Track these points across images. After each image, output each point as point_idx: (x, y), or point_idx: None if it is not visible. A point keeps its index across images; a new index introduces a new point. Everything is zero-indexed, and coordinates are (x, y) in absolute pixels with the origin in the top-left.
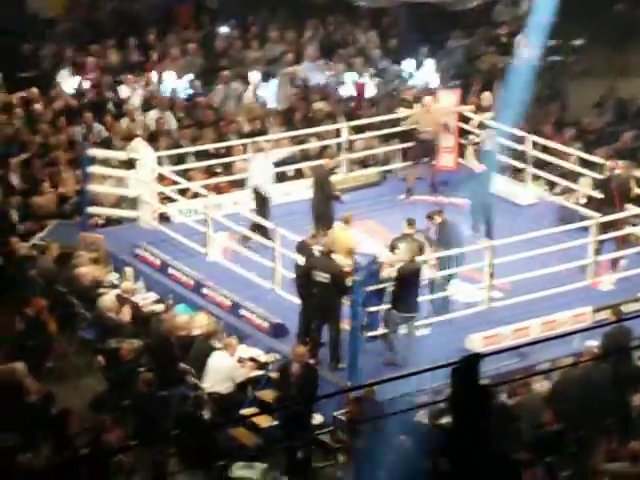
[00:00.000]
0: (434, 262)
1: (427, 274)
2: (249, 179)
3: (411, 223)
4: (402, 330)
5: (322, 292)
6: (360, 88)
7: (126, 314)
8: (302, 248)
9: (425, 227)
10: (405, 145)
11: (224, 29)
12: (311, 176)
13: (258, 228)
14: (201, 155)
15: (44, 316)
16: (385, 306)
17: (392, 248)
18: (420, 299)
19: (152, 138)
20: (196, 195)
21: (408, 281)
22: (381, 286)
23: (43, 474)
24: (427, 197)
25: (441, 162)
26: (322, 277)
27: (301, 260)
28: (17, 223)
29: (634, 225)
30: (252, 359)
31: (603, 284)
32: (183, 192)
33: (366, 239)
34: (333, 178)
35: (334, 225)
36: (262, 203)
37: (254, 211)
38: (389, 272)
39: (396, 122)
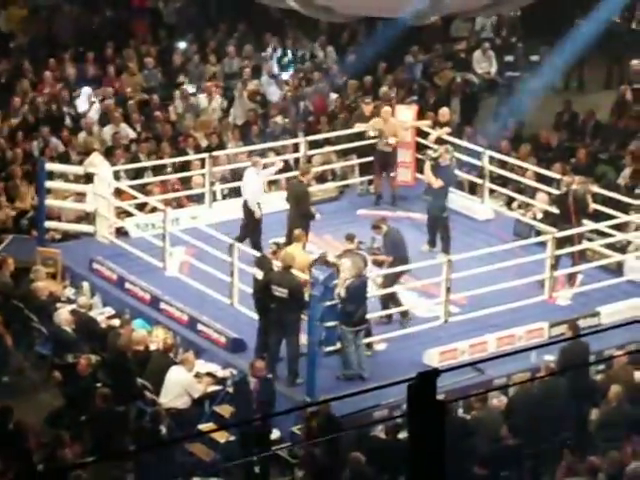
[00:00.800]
0: (379, 277)
1: (373, 289)
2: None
3: (350, 238)
4: (354, 344)
5: (281, 307)
6: (319, 103)
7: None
8: (261, 263)
9: (370, 238)
10: (362, 160)
11: (182, 44)
12: (286, 191)
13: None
14: (159, 170)
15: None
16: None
17: (334, 265)
18: (368, 312)
19: (109, 152)
20: (154, 210)
21: (355, 295)
22: (335, 302)
23: None
24: (379, 212)
25: (399, 177)
26: (280, 292)
27: (259, 274)
28: None
29: (590, 240)
30: (209, 374)
31: (560, 299)
32: (141, 207)
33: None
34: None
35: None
36: (249, 217)
37: (242, 224)
38: (339, 290)
39: (354, 137)
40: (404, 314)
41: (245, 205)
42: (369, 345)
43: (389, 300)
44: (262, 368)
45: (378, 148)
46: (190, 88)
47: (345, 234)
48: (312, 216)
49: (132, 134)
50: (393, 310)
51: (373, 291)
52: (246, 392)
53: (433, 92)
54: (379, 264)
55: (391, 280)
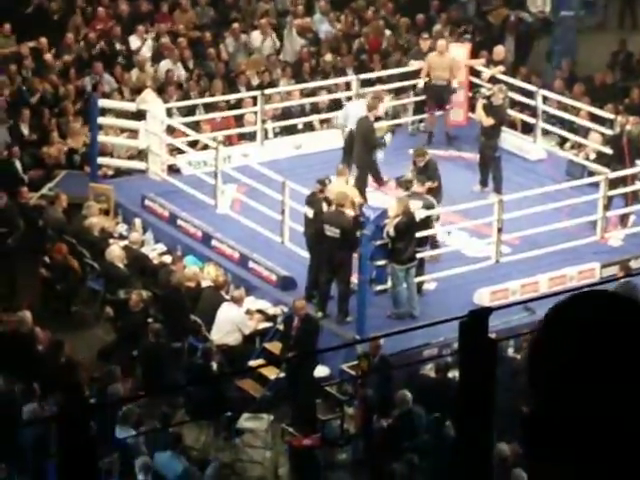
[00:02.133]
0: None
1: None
2: (341, 119)
3: (403, 185)
4: (405, 283)
5: (332, 246)
6: (373, 41)
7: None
8: (312, 201)
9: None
10: (415, 98)
11: None
12: (356, 130)
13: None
14: (211, 107)
15: (68, 261)
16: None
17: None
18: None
19: (161, 90)
20: (206, 147)
21: (404, 233)
22: (387, 240)
23: (52, 421)
24: (438, 151)
25: (451, 116)
26: (332, 232)
27: (311, 213)
28: (22, 174)
29: None
30: (260, 311)
31: (612, 240)
32: (193, 144)
33: (376, 193)
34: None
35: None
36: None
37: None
38: (388, 228)
39: (407, 75)
40: (435, 257)
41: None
42: (419, 284)
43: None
44: (303, 306)
45: (432, 83)
46: (242, 25)
47: (397, 179)
48: (382, 144)
49: (184, 73)
50: (440, 250)
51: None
52: (291, 329)
53: (487, 30)
54: (427, 191)
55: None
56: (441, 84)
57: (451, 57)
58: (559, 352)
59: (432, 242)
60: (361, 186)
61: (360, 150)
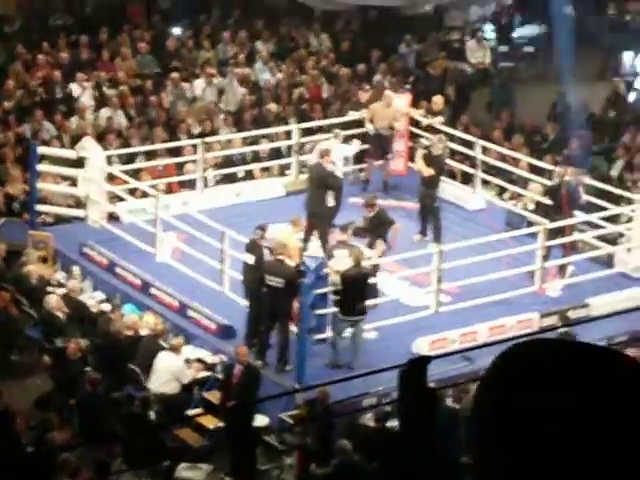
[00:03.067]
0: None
1: (376, 278)
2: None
3: (344, 229)
4: (347, 333)
5: (274, 296)
6: (313, 90)
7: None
8: (252, 248)
9: (362, 217)
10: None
11: (176, 29)
12: (307, 174)
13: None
14: (151, 155)
15: (9, 309)
16: (332, 309)
17: (329, 257)
18: (367, 302)
19: (102, 137)
20: (145, 195)
21: (352, 285)
22: (328, 289)
23: None
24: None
25: (391, 165)
26: (275, 281)
27: (251, 260)
28: None
29: (581, 232)
30: (199, 360)
31: (550, 290)
32: (133, 192)
33: (314, 242)
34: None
35: (284, 226)
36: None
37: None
38: (334, 278)
39: (347, 124)
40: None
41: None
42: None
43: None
44: (245, 354)
45: (376, 132)
46: (184, 74)
47: (339, 225)
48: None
49: (124, 120)
50: (379, 300)
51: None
52: (232, 378)
53: (426, 81)
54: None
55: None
56: (385, 134)
57: (395, 109)
58: (508, 402)
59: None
60: (323, 235)
61: (317, 196)
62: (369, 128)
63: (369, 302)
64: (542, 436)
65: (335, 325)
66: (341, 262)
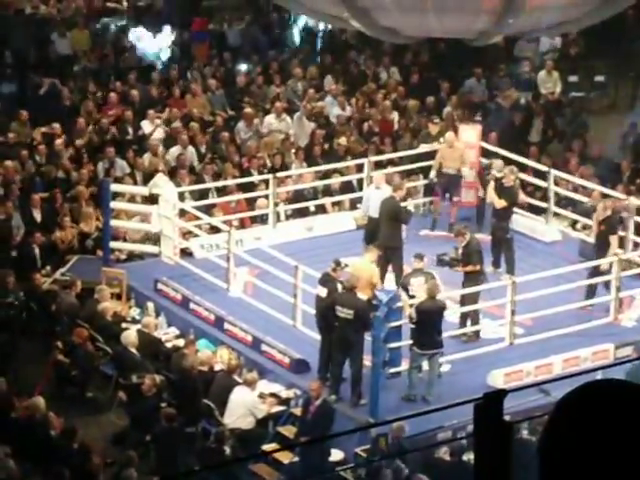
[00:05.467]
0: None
1: (452, 309)
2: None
3: (419, 257)
4: (424, 367)
5: (345, 328)
6: (385, 124)
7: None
8: (326, 281)
9: (453, 248)
10: (426, 181)
11: (244, 65)
12: (381, 210)
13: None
14: (223, 191)
15: (87, 346)
16: (406, 342)
17: (404, 286)
18: (443, 335)
19: (173, 173)
20: (218, 230)
21: (427, 318)
22: (401, 322)
23: None
24: (442, 232)
25: (463, 197)
26: (345, 313)
27: (323, 292)
28: (39, 259)
29: None
30: (273, 395)
31: (625, 320)
32: (206, 228)
33: (389, 274)
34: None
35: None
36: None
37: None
38: (410, 311)
39: (417, 157)
40: (477, 334)
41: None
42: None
43: (469, 317)
44: (318, 389)
45: (442, 171)
46: (254, 109)
47: (414, 254)
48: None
49: (195, 157)
50: (468, 329)
51: (452, 311)
52: (308, 413)
53: (497, 113)
54: (469, 273)
55: (474, 295)
56: (452, 173)
57: (462, 148)
58: (568, 443)
59: (473, 319)
60: (398, 268)
61: (390, 229)
62: (432, 174)
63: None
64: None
65: (411, 359)
66: (418, 289)
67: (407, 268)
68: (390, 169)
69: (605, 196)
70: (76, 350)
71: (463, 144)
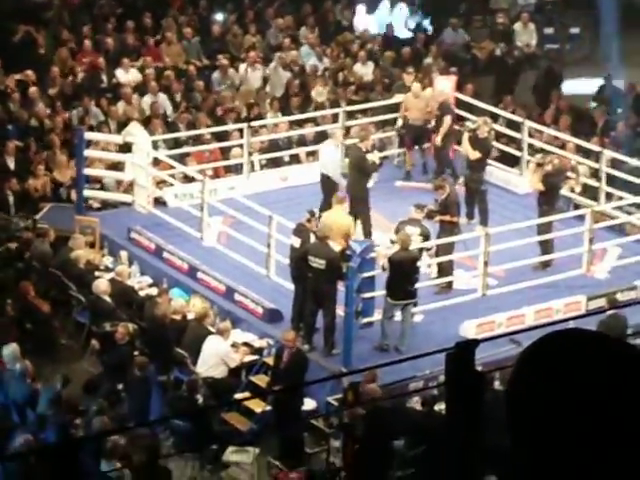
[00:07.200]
0: (432, 251)
1: (427, 261)
2: (320, 164)
3: (419, 207)
4: (397, 317)
5: (317, 278)
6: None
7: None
8: (299, 231)
9: (434, 200)
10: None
11: (219, 15)
12: (347, 158)
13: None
14: (197, 140)
15: (34, 300)
16: (379, 293)
17: (397, 231)
18: (417, 286)
19: (148, 122)
20: (192, 179)
21: (400, 268)
22: (375, 273)
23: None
24: (417, 183)
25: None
26: (317, 263)
27: (297, 243)
28: (12, 205)
29: (629, 214)
30: (246, 344)
31: (598, 272)
32: (179, 177)
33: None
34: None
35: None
36: (329, 192)
37: (324, 195)
38: (383, 261)
39: (392, 107)
40: (450, 284)
41: (326, 180)
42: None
43: (445, 269)
44: (293, 339)
45: (409, 123)
46: (229, 58)
47: (415, 204)
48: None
49: (169, 106)
50: (439, 280)
51: (426, 262)
52: (281, 362)
53: (473, 64)
54: (445, 224)
55: (449, 247)
56: (417, 125)
57: (427, 98)
58: (531, 392)
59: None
60: (365, 218)
61: (354, 179)
62: (400, 118)
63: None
64: (564, 426)
65: (384, 309)
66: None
67: (382, 219)
68: (363, 119)
69: (580, 149)
70: (25, 305)
71: (430, 94)
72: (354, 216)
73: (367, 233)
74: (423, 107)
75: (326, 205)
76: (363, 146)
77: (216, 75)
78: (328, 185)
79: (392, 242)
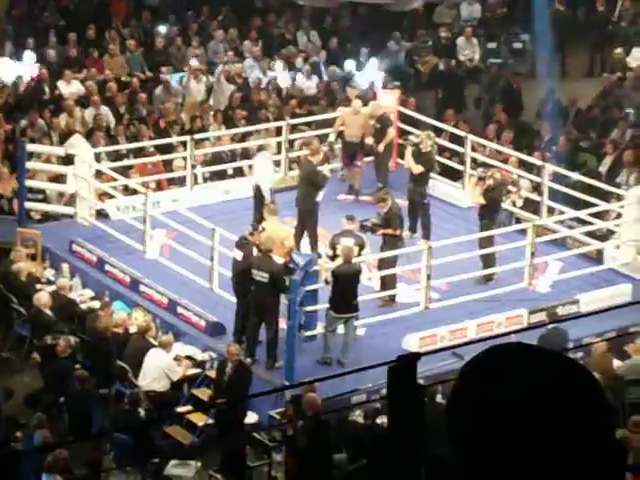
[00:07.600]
0: (373, 262)
1: (367, 274)
2: (253, 176)
3: (350, 219)
4: (340, 330)
5: (260, 291)
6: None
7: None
8: (242, 244)
9: (377, 214)
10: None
11: (163, 27)
12: (297, 171)
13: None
14: (140, 152)
15: None
16: (322, 306)
17: (332, 245)
18: (360, 299)
19: (90, 134)
20: (135, 192)
21: (343, 281)
22: (317, 286)
23: None
24: (365, 197)
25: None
26: (261, 276)
27: (240, 256)
28: None
29: (571, 228)
30: (189, 357)
31: (539, 286)
32: (122, 189)
33: (304, 239)
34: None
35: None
36: (260, 202)
37: (254, 208)
38: (326, 275)
39: (335, 121)
40: (393, 298)
41: (256, 189)
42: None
43: (388, 282)
44: (237, 352)
45: (346, 140)
46: (171, 71)
47: (346, 215)
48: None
49: (112, 118)
50: (383, 293)
51: (368, 275)
52: (224, 376)
53: (415, 78)
54: (388, 237)
55: (392, 260)
56: (354, 141)
57: (366, 115)
58: (470, 406)
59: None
60: (312, 232)
61: (305, 193)
62: (334, 134)
63: (373, 295)
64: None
65: (326, 322)
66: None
67: (325, 232)
68: (308, 133)
69: (522, 164)
70: None
71: (369, 112)
72: (301, 229)
73: (314, 246)
74: (361, 124)
75: (258, 216)
76: (314, 160)
77: (158, 91)
78: (261, 197)
79: (328, 256)
